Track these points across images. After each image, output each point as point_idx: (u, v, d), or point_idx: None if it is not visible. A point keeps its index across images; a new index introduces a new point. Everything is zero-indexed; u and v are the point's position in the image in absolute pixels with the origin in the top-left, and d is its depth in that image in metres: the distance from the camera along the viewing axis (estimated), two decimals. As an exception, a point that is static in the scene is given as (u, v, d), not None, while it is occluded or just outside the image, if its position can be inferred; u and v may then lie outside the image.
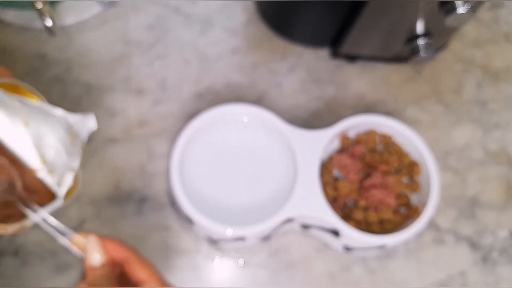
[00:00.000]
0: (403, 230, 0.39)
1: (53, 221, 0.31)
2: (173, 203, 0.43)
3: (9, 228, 0.30)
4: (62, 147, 0.32)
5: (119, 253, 0.30)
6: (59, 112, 0.33)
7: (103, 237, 0.30)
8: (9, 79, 0.33)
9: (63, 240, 0.31)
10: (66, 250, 0.41)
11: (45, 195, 0.32)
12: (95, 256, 0.30)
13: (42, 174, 0.31)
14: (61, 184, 0.32)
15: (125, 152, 0.45)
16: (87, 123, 0.34)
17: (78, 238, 0.31)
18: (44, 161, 0.31)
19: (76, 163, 0.33)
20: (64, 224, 0.42)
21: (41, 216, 0.31)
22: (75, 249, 0.30)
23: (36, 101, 0.32)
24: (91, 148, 0.45)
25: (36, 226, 0.31)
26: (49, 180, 0.31)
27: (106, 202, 0.43)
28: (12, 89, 0.33)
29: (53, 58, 0.49)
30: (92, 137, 0.45)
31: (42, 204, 0.32)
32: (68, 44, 0.49)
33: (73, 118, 0.33)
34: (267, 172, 0.42)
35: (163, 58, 0.49)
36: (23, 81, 0.33)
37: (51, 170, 0.31)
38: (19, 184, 0.31)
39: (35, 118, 0.31)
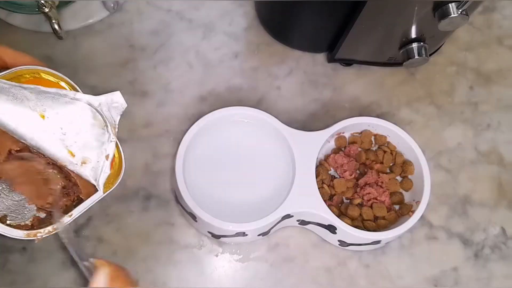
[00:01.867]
0: (396, 227, 0.40)
1: (74, 241, 0.28)
2: (177, 200, 0.44)
3: (39, 234, 0.28)
4: (90, 134, 0.29)
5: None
6: (81, 96, 0.29)
7: (115, 268, 0.27)
8: (29, 66, 0.30)
9: (83, 265, 0.28)
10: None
11: (86, 186, 0.29)
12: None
13: (74, 167, 0.29)
14: (98, 174, 0.29)
15: (131, 152, 0.46)
16: (115, 102, 0.30)
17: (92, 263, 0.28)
18: (72, 153, 0.29)
19: (110, 148, 0.30)
20: (72, 221, 0.43)
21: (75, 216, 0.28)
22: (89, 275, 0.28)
23: (54, 89, 0.29)
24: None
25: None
26: (83, 172, 0.29)
27: (112, 199, 0.44)
28: (33, 75, 0.31)
29: (59, 62, 0.49)
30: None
31: (84, 195, 0.29)
32: (75, 48, 0.50)
33: (98, 100, 0.30)
34: (266, 171, 0.43)
35: (166, 62, 0.50)
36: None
37: (83, 161, 0.29)
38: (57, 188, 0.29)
39: (53, 108, 0.28)
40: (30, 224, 0.30)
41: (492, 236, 0.46)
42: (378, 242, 0.41)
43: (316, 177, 0.42)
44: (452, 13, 0.39)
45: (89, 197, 0.29)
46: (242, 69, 0.50)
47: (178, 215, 0.44)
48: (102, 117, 0.30)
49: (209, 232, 0.42)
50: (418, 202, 0.41)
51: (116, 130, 0.31)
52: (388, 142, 0.45)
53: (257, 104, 0.49)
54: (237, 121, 0.44)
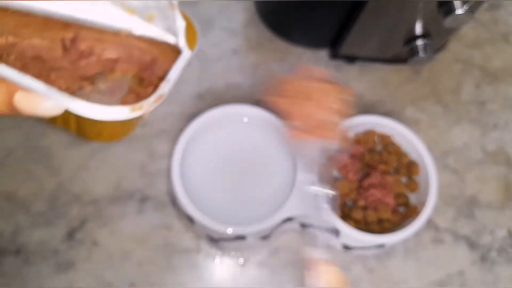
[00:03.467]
0: (402, 230, 0.39)
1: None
2: (174, 202, 0.43)
3: (146, 105, 0.23)
4: None
5: None
6: None
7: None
8: None
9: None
10: (67, 249, 0.42)
11: (166, 57, 0.24)
12: None
13: (141, 30, 0.24)
14: (171, 27, 0.24)
15: (126, 152, 0.45)
16: None
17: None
18: (131, 10, 0.24)
19: None
20: (66, 223, 0.42)
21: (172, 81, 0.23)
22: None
23: None
24: (92, 148, 0.45)
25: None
26: (154, 31, 0.24)
27: (107, 202, 0.43)
28: None
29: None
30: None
31: (166, 69, 0.24)
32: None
33: None
34: (267, 172, 0.42)
35: (163, 58, 0.50)
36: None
37: (148, 17, 0.24)
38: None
39: None
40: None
41: (499, 239, 0.45)
42: (382, 245, 0.41)
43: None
44: (457, 10, 0.39)
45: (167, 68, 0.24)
46: (241, 66, 0.50)
47: (175, 218, 0.43)
48: None
49: (207, 235, 0.41)
50: (424, 204, 0.41)
51: None
52: (393, 142, 0.44)
53: (257, 102, 0.48)
54: (236, 120, 0.44)
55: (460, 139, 0.49)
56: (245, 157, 0.43)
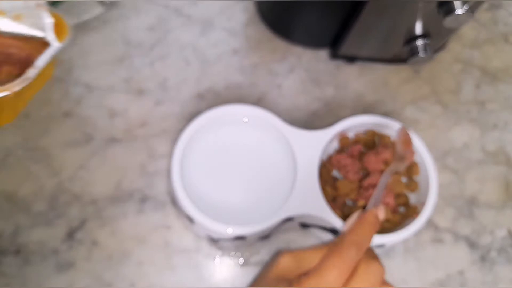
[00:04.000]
0: (402, 230, 0.39)
1: None
2: (173, 202, 0.43)
3: (12, 87, 0.27)
4: None
5: None
6: None
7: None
8: None
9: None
10: (67, 249, 0.42)
11: (38, 46, 0.28)
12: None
13: (9, 28, 0.27)
14: (41, 26, 0.28)
15: (126, 152, 0.45)
16: None
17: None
18: (1, 11, 0.26)
19: None
20: (66, 223, 0.42)
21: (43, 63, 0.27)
22: None
23: None
24: (92, 148, 0.45)
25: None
26: (22, 29, 0.27)
27: (107, 202, 0.43)
28: None
29: (54, 59, 0.49)
30: (93, 136, 0.45)
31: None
32: (69, 45, 0.48)
33: None
34: (267, 172, 0.42)
35: (163, 58, 0.49)
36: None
37: (16, 16, 0.27)
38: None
39: None
40: None
41: (498, 239, 0.45)
42: (382, 245, 0.40)
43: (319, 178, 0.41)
44: (457, 10, 0.39)
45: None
46: (241, 66, 0.50)
47: (175, 218, 0.43)
48: None
49: (207, 235, 0.41)
50: (424, 204, 0.40)
51: None
52: (393, 142, 0.44)
53: (257, 102, 0.48)
54: (236, 120, 0.43)
55: (460, 139, 0.49)
56: (245, 157, 0.43)
